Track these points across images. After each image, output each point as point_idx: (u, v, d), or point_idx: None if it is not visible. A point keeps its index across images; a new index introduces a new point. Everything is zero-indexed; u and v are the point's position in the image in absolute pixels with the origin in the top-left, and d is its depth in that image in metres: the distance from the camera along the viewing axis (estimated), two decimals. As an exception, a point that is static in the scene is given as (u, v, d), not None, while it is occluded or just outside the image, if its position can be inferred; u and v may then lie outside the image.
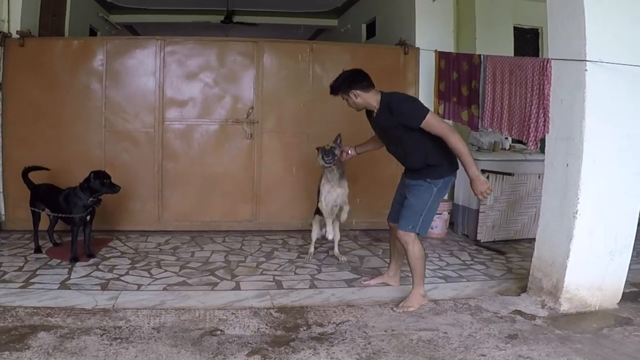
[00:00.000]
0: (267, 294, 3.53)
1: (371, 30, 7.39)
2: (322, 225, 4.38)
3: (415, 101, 3.31)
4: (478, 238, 4.95)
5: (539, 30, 6.80)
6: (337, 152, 4.02)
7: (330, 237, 4.34)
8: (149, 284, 3.62)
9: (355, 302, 3.43)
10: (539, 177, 4.91)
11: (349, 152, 3.88)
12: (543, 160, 5.21)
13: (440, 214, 5.15)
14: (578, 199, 3.15)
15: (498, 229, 5.00)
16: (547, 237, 3.40)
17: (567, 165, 3.24)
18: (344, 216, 4.27)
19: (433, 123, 3.07)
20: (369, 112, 3.36)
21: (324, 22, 9.45)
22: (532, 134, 3.56)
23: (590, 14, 3.08)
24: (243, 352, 2.64)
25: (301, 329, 2.97)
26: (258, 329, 2.95)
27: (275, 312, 3.21)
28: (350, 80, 3.28)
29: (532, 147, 3.61)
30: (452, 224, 5.49)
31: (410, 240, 3.26)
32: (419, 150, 3.19)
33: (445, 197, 5.45)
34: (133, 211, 5.08)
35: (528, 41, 6.69)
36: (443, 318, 3.18)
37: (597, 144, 3.15)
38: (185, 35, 5.37)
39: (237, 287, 3.65)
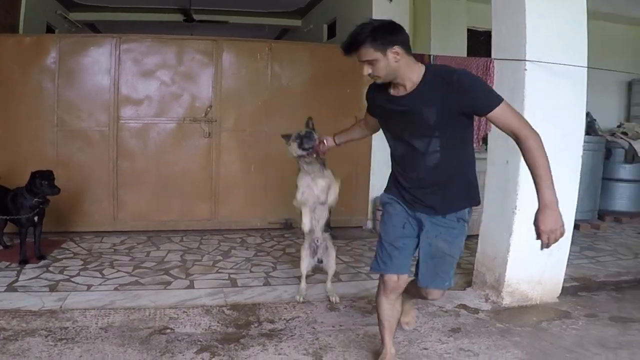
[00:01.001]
0: (220, 292, 3.55)
1: (332, 31, 7.46)
2: (314, 252, 3.53)
3: (481, 79, 2.37)
4: (430, 234, 5.06)
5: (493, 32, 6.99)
6: (316, 137, 3.18)
7: (324, 262, 3.54)
8: (99, 285, 3.59)
9: (306, 299, 3.48)
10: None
11: (326, 142, 3.02)
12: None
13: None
14: (517, 195, 3.27)
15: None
16: (489, 233, 3.53)
17: (507, 162, 3.35)
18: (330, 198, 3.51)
19: (509, 111, 2.10)
20: (378, 90, 2.28)
21: (288, 22, 9.47)
22: (475, 132, 3.66)
23: (530, 14, 3.18)
24: (192, 349, 2.67)
25: (252, 326, 3.02)
26: (209, 326, 2.98)
27: (228, 309, 3.24)
28: (395, 32, 2.10)
29: (475, 145, 3.72)
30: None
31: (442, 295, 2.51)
32: (457, 157, 2.23)
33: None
34: (88, 211, 5.02)
35: (481, 43, 6.86)
36: (390, 313, 3.27)
37: None
38: (151, 34, 5.32)
39: (191, 286, 3.66)
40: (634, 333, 3.06)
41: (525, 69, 3.19)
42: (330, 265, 3.53)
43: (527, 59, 3.18)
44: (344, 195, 5.53)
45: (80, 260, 4.15)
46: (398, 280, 2.38)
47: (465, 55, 5.64)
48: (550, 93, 3.27)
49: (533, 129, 2.10)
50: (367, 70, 2.16)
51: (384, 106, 2.29)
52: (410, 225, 2.36)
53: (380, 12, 5.59)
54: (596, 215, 6.11)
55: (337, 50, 5.58)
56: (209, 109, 5.18)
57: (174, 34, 6.17)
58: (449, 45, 5.66)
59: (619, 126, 6.72)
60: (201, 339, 2.79)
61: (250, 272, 4.05)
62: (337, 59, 5.51)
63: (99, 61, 4.96)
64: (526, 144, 2.08)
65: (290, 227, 5.45)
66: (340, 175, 5.40)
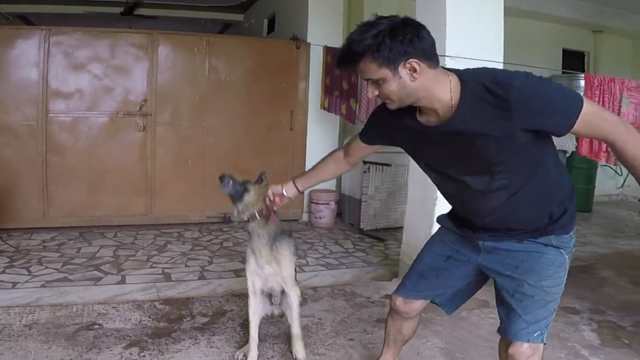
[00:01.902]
0: (153, 287, 3.57)
1: (272, 26, 7.50)
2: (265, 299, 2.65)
3: (550, 82, 1.58)
4: (361, 227, 5.25)
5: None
6: (248, 188, 2.46)
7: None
8: (25, 282, 3.52)
9: (241, 291, 3.54)
10: (417, 168, 5.31)
11: (280, 197, 2.19)
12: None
13: (328, 204, 5.41)
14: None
15: (380, 218, 5.33)
16: (413, 224, 3.70)
17: None
18: (293, 306, 2.54)
19: (594, 117, 1.51)
20: (394, 112, 1.67)
21: (230, 17, 9.40)
22: None
23: (450, 10, 3.32)
24: (120, 344, 2.68)
25: (185, 320, 3.06)
26: (140, 321, 2.99)
27: (160, 304, 3.26)
28: (409, 38, 1.53)
29: None
30: (340, 213, 5.76)
31: (537, 357, 1.77)
32: (539, 183, 1.67)
33: (333, 187, 5.75)
34: (16, 208, 4.85)
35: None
36: (320, 305, 3.38)
37: None
38: (85, 27, 5.17)
39: (123, 281, 3.65)
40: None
41: (445, 64, 3.34)
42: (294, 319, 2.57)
43: (446, 54, 3.32)
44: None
45: (6, 258, 4.03)
46: (403, 304, 2.09)
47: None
48: None
49: (627, 126, 1.53)
50: (372, 91, 1.60)
51: (409, 136, 1.73)
52: (459, 263, 1.93)
53: (315, 8, 5.68)
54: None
55: (272, 45, 5.68)
56: (143, 103, 5.12)
57: (113, 28, 6.01)
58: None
59: None
60: (130, 334, 2.81)
61: (186, 266, 4.08)
62: (273, 53, 5.68)
63: (27, 54, 4.79)
64: (627, 153, 1.51)
65: (229, 221, 5.49)
66: (276, 169, 5.56)
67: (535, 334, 1.72)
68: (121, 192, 5.14)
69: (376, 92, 1.60)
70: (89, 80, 4.98)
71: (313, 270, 4.08)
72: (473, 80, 1.54)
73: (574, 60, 8.00)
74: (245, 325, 3.03)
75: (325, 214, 5.46)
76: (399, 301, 2.09)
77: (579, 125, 1.48)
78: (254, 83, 5.48)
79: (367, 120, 1.95)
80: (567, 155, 6.61)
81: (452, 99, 1.55)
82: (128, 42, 5.11)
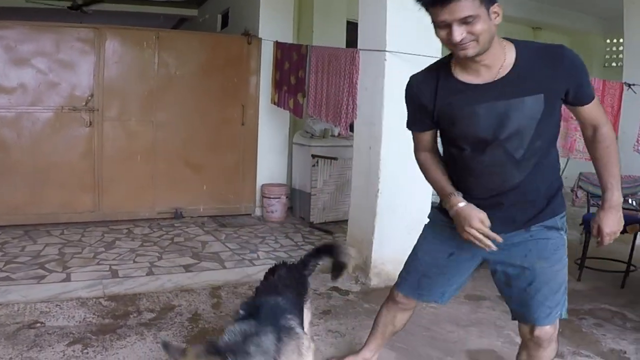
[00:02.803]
0: (99, 283, 3.54)
1: (225, 21, 7.47)
2: None
3: None
4: (311, 220, 5.34)
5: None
6: None
7: None
8: (-36, 282, 3.44)
9: (190, 286, 3.58)
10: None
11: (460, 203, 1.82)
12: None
13: (279, 198, 5.48)
14: (379, 179, 3.55)
15: (329, 211, 5.43)
16: (357, 216, 3.81)
17: (370, 148, 3.62)
18: None
19: (598, 103, 1.80)
20: (427, 83, 1.80)
21: (184, 12, 9.30)
22: (343, 120, 3.90)
23: (391, 6, 3.40)
24: (63, 342, 2.67)
25: (131, 316, 3.06)
26: (84, 318, 2.98)
27: (106, 301, 3.25)
28: None
29: (343, 132, 3.96)
30: (292, 208, 5.83)
31: (555, 335, 1.92)
32: (553, 159, 1.84)
33: (284, 181, 5.82)
34: (-45, 206, 4.70)
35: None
36: (269, 297, 3.45)
37: (395, 128, 3.44)
38: (31, 21, 5.02)
39: (67, 279, 3.61)
40: (484, 310, 3.39)
41: (385, 59, 3.43)
42: None
43: (386, 49, 3.42)
44: (233, 184, 5.69)
45: (-56, 258, 3.92)
46: (405, 298, 2.17)
47: (344, 47, 5.94)
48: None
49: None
50: (461, 33, 1.55)
51: (454, 102, 1.70)
52: (463, 259, 1.94)
53: (267, 3, 5.70)
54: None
55: (224, 40, 5.68)
56: (89, 98, 5.03)
57: (62, 22, 5.85)
58: (330, 36, 5.93)
59: None
60: (74, 332, 2.80)
61: (134, 262, 4.06)
62: (225, 48, 5.68)
63: (-35, 48, 4.63)
64: (606, 141, 1.74)
65: (181, 216, 5.47)
66: (227, 164, 5.58)
67: (557, 315, 1.86)
68: (67, 188, 5.04)
69: (463, 35, 1.55)
70: (32, 75, 4.85)
71: (264, 264, 4.11)
72: (526, 45, 1.68)
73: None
74: (193, 319, 3.07)
75: (277, 208, 5.52)
76: (399, 296, 2.17)
77: (594, 103, 1.73)
78: (205, 78, 5.47)
79: (407, 109, 1.91)
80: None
81: (506, 57, 1.65)
82: (74, 36, 5.00)
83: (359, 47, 3.71)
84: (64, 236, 4.68)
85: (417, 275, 2.07)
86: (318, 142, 5.39)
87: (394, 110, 3.48)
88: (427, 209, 3.80)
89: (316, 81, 4.28)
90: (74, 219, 5.09)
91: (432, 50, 3.53)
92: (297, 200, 5.72)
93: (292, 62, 4.78)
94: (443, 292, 2.06)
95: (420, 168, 2.05)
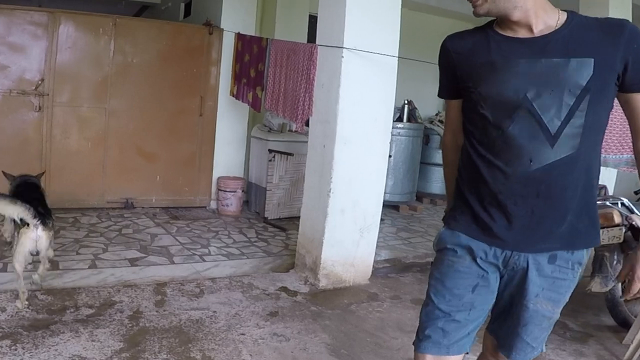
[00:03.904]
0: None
1: (188, 10, 7.31)
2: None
3: None
4: (266, 215, 5.31)
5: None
6: None
7: None
8: None
9: (134, 282, 3.50)
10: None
11: None
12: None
13: (234, 191, 5.42)
14: (331, 178, 3.54)
15: (283, 207, 5.41)
16: (309, 215, 3.79)
17: (324, 146, 3.61)
18: None
19: None
20: (463, 39, 1.58)
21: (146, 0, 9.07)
22: (299, 116, 3.85)
23: (351, 2, 3.39)
24: (-10, 337, 2.58)
25: (67, 312, 2.97)
26: (16, 312, 2.88)
27: (42, 294, 3.15)
28: None
29: (299, 129, 3.92)
30: (248, 202, 5.78)
31: None
32: (597, 154, 1.52)
33: (241, 174, 5.77)
34: None
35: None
36: (216, 297, 3.40)
37: (349, 126, 3.53)
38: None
39: (3, 269, 3.48)
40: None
41: (342, 56, 3.41)
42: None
43: (344, 46, 3.40)
44: (188, 176, 5.60)
45: None
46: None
47: (305, 41, 5.90)
48: (364, 80, 3.52)
49: None
50: None
51: (488, 56, 1.48)
52: (485, 288, 1.58)
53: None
54: (414, 198, 6.69)
55: (185, 29, 5.54)
56: (40, 82, 4.84)
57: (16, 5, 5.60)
58: (292, 30, 5.87)
59: (436, 114, 7.39)
60: (4, 326, 2.70)
61: (77, 254, 3.95)
62: (185, 38, 5.56)
63: None
64: None
65: (132, 206, 5.35)
66: (184, 154, 5.48)
67: (537, 352, 1.64)
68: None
69: None
70: (-21, 57, 4.65)
71: (214, 260, 4.09)
72: (580, 15, 1.47)
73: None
74: (134, 317, 3.00)
75: (232, 202, 5.46)
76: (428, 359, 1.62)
77: None
78: (163, 67, 5.35)
79: (439, 73, 1.68)
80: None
81: (551, 18, 1.43)
82: (26, 19, 4.80)
83: (317, 42, 3.68)
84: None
85: (440, 322, 1.61)
86: (276, 137, 5.35)
87: (350, 109, 3.49)
88: (379, 213, 3.88)
89: (274, 75, 4.23)
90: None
91: (389, 49, 3.56)
92: (252, 195, 5.67)
93: (252, 54, 4.71)
94: (469, 335, 1.63)
95: (443, 156, 1.87)
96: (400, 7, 3.60)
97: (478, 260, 1.55)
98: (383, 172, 3.77)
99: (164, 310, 3.15)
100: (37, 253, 2.99)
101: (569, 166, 1.42)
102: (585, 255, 1.54)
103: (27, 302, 2.96)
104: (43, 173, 3.86)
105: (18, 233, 2.93)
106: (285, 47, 4.13)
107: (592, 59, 1.37)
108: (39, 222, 2.88)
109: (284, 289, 3.66)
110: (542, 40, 1.41)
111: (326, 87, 3.58)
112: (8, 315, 2.83)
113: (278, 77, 4.17)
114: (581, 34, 1.40)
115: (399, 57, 3.63)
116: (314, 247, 3.70)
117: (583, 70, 1.37)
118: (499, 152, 1.46)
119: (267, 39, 4.49)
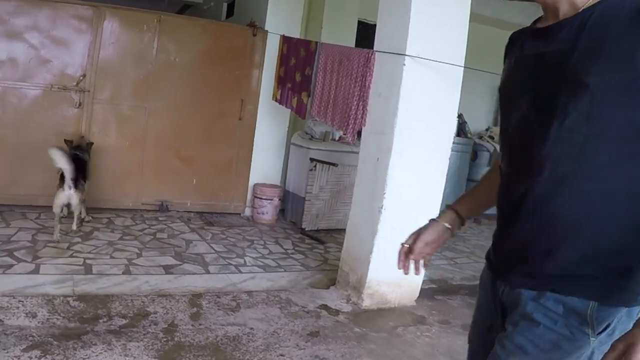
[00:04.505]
0: (70, 279, 3.28)
1: (231, 10, 7.21)
2: None
3: None
4: (303, 226, 5.10)
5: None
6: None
7: None
8: None
9: (168, 291, 3.33)
10: (361, 169, 5.20)
11: (445, 228, 1.53)
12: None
13: (271, 199, 5.23)
14: (384, 194, 3.30)
15: (322, 218, 5.19)
16: (355, 231, 3.56)
17: (378, 159, 3.37)
18: None
19: None
20: (519, 38, 1.31)
21: (188, -1, 9.05)
22: (350, 126, 3.59)
23: (416, 9, 3.16)
24: (20, 346, 2.43)
25: (100, 321, 2.81)
26: (47, 319, 2.73)
27: (74, 300, 3.00)
28: None
29: (350, 139, 3.66)
30: (283, 210, 5.57)
31: None
32: (621, 173, 1.07)
33: (278, 182, 5.58)
34: None
35: (371, 36, 6.94)
36: (253, 312, 3.20)
37: (407, 140, 3.28)
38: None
39: (36, 271, 3.34)
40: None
41: (404, 64, 3.18)
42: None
43: (406, 53, 3.18)
44: (224, 181, 5.44)
45: None
46: None
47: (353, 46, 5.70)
48: (427, 91, 3.29)
49: None
50: None
51: (514, 53, 1.29)
52: (495, 332, 1.26)
53: (277, -6, 5.45)
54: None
55: (228, 29, 5.41)
56: (81, 78, 4.75)
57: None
58: (339, 34, 5.67)
59: (486, 129, 7.10)
60: (34, 334, 2.55)
61: (111, 257, 3.80)
62: (228, 38, 5.42)
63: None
64: None
65: (166, 209, 5.21)
66: (221, 158, 5.33)
67: None
68: (49, 171, 4.67)
69: None
70: (24, 50, 4.56)
71: (250, 272, 3.89)
72: None
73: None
74: (169, 330, 2.82)
75: (268, 210, 5.27)
76: None
77: None
78: (205, 67, 5.21)
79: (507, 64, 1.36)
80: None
81: (581, 2, 1.12)
82: (71, 13, 4.71)
83: (375, 48, 3.46)
84: (40, 221, 4.41)
85: None
86: (317, 145, 5.14)
87: (409, 121, 3.27)
88: None
89: (324, 81, 4.01)
90: (51, 202, 4.78)
91: (456, 58, 3.34)
92: (289, 204, 5.47)
93: (298, 58, 4.52)
94: None
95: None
96: (468, 14, 3.36)
97: (495, 292, 1.28)
98: (440, 189, 3.53)
99: (200, 325, 2.96)
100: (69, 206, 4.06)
101: (570, 185, 1.09)
102: (602, 313, 1.09)
103: (59, 235, 3.98)
104: (92, 143, 4.66)
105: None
106: (337, 52, 3.92)
107: (603, 49, 1.04)
108: (72, 183, 3.95)
109: (325, 307, 3.44)
110: (556, 26, 1.15)
111: (383, 97, 3.35)
112: (39, 322, 2.68)
113: (328, 83, 3.95)
114: (607, 17, 1.06)
115: (464, 67, 3.39)
116: (360, 265, 3.47)
117: (588, 62, 1.06)
118: (503, 162, 1.26)
119: (316, 42, 4.29)
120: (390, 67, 3.30)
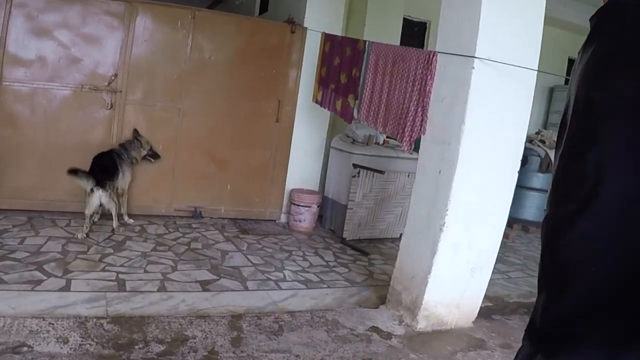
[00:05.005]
0: (103, 297, 3.05)
1: (264, 6, 6.94)
2: None
3: None
4: (344, 236, 4.81)
5: (427, 24, 6.77)
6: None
7: None
8: (-53, 283, 2.97)
9: (207, 312, 3.07)
10: (408, 176, 4.87)
11: None
12: (414, 159, 5.17)
13: (309, 206, 4.94)
14: (447, 210, 2.98)
15: (364, 227, 4.89)
16: (411, 248, 3.24)
17: (440, 172, 3.04)
18: None
19: None
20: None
21: (221, -7, 8.83)
22: (407, 133, 3.24)
23: (488, 6, 2.83)
24: (51, 379, 2.19)
25: (136, 347, 2.56)
26: (80, 345, 2.49)
27: (108, 323, 2.75)
28: None
29: (406, 148, 3.28)
30: (321, 217, 5.28)
31: None
32: None
33: (315, 187, 5.30)
34: (-45, 183, 4.25)
35: (415, 34, 6.63)
36: (298, 335, 2.92)
37: (475, 150, 2.96)
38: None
39: (66, 288, 3.11)
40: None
41: (473, 67, 2.85)
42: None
43: (476, 55, 2.84)
44: (260, 186, 5.18)
45: None
46: None
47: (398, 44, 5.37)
48: (497, 97, 2.97)
49: None
50: None
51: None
52: None
53: (315, -10, 5.15)
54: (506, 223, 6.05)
55: (264, 26, 5.12)
56: (113, 78, 4.53)
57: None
58: (383, 33, 5.36)
59: (537, 133, 6.69)
60: (66, 364, 2.31)
61: (145, 272, 3.56)
62: (264, 35, 5.13)
63: (-17, 13, 4.14)
64: None
65: (200, 216, 4.97)
66: (256, 163, 5.08)
67: None
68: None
69: None
70: (53, 48, 4.36)
71: (291, 288, 3.61)
72: None
73: (568, 68, 7.71)
74: (209, 358, 2.56)
75: (306, 217, 4.99)
76: None
77: None
78: (240, 66, 4.95)
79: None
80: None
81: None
82: (102, 9, 4.49)
83: (437, 49, 3.11)
84: (70, 228, 4.20)
85: None
86: (361, 150, 4.83)
87: (477, 130, 2.93)
88: (496, 250, 3.30)
89: (374, 83, 3.68)
90: (82, 208, 4.56)
91: (529, 61, 3.00)
92: (328, 211, 5.18)
93: (344, 58, 4.19)
94: None
95: None
96: (543, 14, 3.00)
97: None
98: (506, 205, 3.20)
99: (242, 352, 2.69)
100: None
101: None
102: None
103: (85, 235, 4.07)
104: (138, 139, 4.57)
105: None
106: (390, 52, 3.58)
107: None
108: (98, 187, 4.05)
109: (375, 329, 3.14)
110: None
111: (447, 102, 3.01)
112: (71, 349, 2.44)
113: (379, 86, 3.63)
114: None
115: (538, 70, 3.04)
116: (415, 285, 3.16)
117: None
118: None
119: (365, 41, 3.96)
120: (456, 70, 2.96)
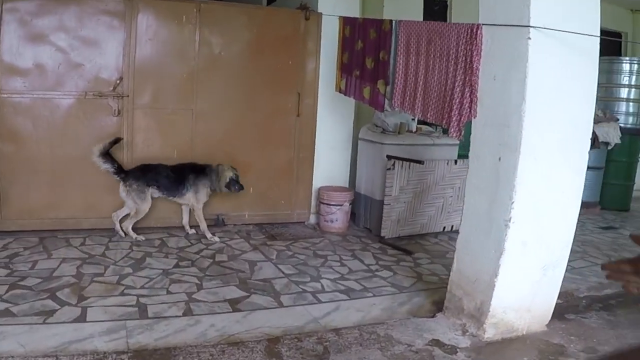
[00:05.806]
0: (123, 327, 2.68)
1: (273, -6, 6.55)
2: None
3: None
4: (382, 234, 4.39)
5: (449, 3, 6.32)
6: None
7: None
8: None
9: (240, 337, 2.69)
10: (447, 164, 4.45)
11: None
12: (452, 145, 4.74)
13: (341, 205, 4.54)
14: (512, 203, 2.55)
15: (404, 223, 4.47)
16: (471, 249, 2.81)
17: (500, 159, 2.62)
18: None
19: None
20: None
21: (226, -17, 8.43)
22: (454, 118, 2.82)
23: None
24: None
25: (162, 385, 2.20)
26: (100, 389, 2.13)
27: (130, 358, 2.39)
28: None
29: (455, 135, 2.82)
30: (353, 214, 4.86)
31: None
32: None
33: (345, 183, 4.90)
34: (-41, 208, 3.94)
35: (436, 13, 6.18)
36: (347, 358, 2.53)
37: (538, 133, 2.53)
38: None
39: (82, 317, 2.75)
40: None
41: (529, 38, 2.43)
42: None
43: (530, 24, 2.41)
44: (284, 187, 4.80)
45: None
46: None
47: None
48: (560, 70, 2.55)
49: None
50: None
51: None
52: None
53: (330, -29, 4.73)
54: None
55: (277, 14, 4.70)
56: (118, 82, 4.17)
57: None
58: (403, 13, 4.87)
59: None
60: (83, 417, 1.95)
61: (168, 292, 3.19)
62: (277, 25, 4.69)
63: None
64: None
65: (223, 224, 4.61)
66: (279, 162, 4.70)
67: None
68: (91, 188, 4.22)
69: None
70: (51, 54, 4.02)
71: (331, 300, 3.22)
72: None
73: (610, 41, 7.19)
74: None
75: (338, 217, 4.59)
76: None
77: None
78: (254, 60, 4.57)
79: None
80: (610, 148, 5.84)
81: None
82: (100, 8, 4.13)
83: (480, 20, 2.68)
84: (85, 247, 3.86)
85: None
86: (393, 140, 4.40)
87: (541, 109, 2.49)
88: (570, 244, 2.87)
89: (407, 66, 3.24)
90: (98, 224, 4.28)
91: (588, 26, 2.57)
92: (361, 208, 4.77)
93: (367, 41, 3.77)
94: None
95: None
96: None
97: None
98: (578, 193, 2.78)
99: (285, 385, 2.30)
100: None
101: None
102: None
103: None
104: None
105: None
106: (423, 30, 3.14)
107: None
108: (119, 178, 4.08)
109: (436, 342, 2.73)
110: None
111: (500, 80, 2.57)
112: (90, 396, 2.07)
113: (413, 68, 3.19)
114: None
115: (601, 36, 2.60)
116: (479, 289, 2.74)
117: None
118: None
119: (391, 20, 3.52)
120: (509, 43, 2.53)
